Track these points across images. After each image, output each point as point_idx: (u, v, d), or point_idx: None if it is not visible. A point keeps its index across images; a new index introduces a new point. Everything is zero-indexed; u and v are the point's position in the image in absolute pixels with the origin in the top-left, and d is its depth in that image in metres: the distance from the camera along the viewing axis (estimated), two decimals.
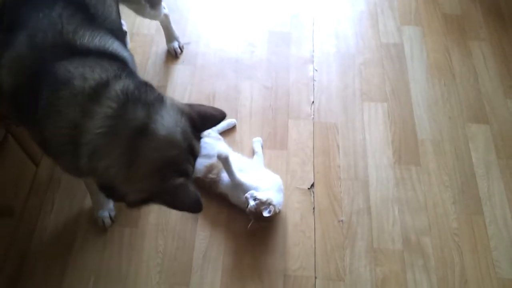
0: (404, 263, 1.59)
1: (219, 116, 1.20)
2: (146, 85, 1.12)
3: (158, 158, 1.04)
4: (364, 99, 1.97)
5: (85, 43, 1.14)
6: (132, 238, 1.59)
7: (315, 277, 1.56)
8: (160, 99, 1.10)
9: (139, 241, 1.58)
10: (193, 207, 1.09)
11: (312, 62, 2.08)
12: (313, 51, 2.12)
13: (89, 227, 1.61)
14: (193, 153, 1.12)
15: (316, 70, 2.06)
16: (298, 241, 1.62)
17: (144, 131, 1.04)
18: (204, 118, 1.16)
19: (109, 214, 1.61)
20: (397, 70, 2.06)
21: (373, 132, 1.88)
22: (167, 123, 1.07)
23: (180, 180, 1.05)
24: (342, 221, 1.67)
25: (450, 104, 1.96)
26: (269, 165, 1.78)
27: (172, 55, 2.04)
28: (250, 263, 1.57)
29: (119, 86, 1.07)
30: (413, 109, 1.94)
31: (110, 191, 1.11)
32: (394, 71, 2.06)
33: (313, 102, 1.96)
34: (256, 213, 1.51)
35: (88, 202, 1.65)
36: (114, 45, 1.20)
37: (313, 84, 2.01)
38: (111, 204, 1.61)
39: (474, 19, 2.25)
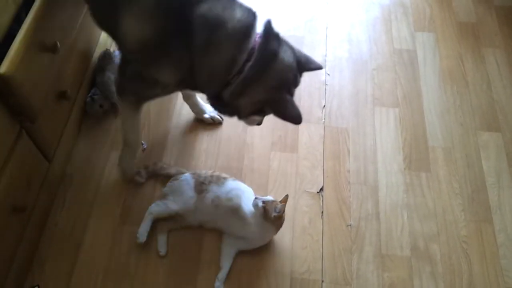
0: (411, 270, 1.58)
1: (316, 65, 1.48)
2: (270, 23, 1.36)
3: (280, 77, 1.34)
4: (375, 104, 1.97)
5: None
6: None
7: (322, 281, 1.56)
8: (280, 38, 1.38)
9: (148, 240, 1.59)
10: (296, 118, 1.37)
11: (325, 66, 2.09)
12: (326, 55, 2.13)
13: (99, 225, 1.63)
14: (296, 81, 1.43)
15: (329, 74, 2.06)
16: (306, 245, 1.62)
17: (275, 56, 1.32)
18: (306, 61, 1.44)
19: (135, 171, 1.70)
20: (409, 76, 2.06)
21: (384, 138, 1.88)
22: (288, 55, 1.36)
23: (289, 96, 1.38)
24: (350, 225, 1.67)
25: (462, 111, 1.95)
26: (278, 168, 1.78)
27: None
28: (257, 266, 1.57)
29: (259, 25, 1.35)
30: (424, 115, 1.93)
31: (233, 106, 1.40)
32: (407, 77, 2.05)
33: (324, 106, 1.96)
34: (267, 216, 1.51)
35: (98, 200, 1.67)
36: None
37: (325, 88, 2.02)
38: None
39: (489, 27, 2.24)
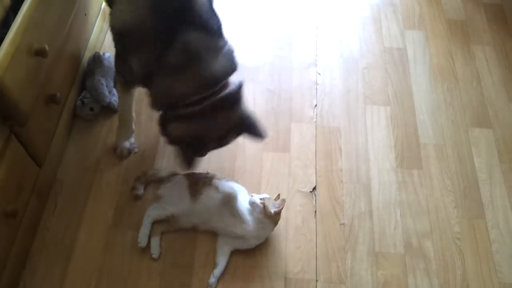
0: (405, 267, 1.58)
1: (259, 136, 1.48)
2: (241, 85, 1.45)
3: (218, 128, 1.44)
4: (367, 103, 1.97)
5: None
6: (134, 240, 1.59)
7: (316, 280, 1.55)
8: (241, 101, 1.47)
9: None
10: (186, 164, 1.44)
11: (315, 66, 2.09)
12: (317, 55, 2.13)
13: (91, 228, 1.62)
14: (227, 139, 1.49)
15: (319, 74, 2.06)
16: (300, 244, 1.62)
17: (227, 111, 1.42)
18: (251, 128, 1.46)
19: (129, 147, 1.77)
20: (400, 74, 2.07)
21: (375, 136, 1.88)
22: (238, 115, 1.45)
23: (207, 145, 1.48)
24: (343, 224, 1.67)
25: (453, 108, 1.96)
26: (271, 168, 1.78)
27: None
28: (251, 266, 1.57)
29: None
30: (415, 113, 1.94)
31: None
32: (397, 75, 2.06)
33: (316, 105, 1.96)
34: (266, 212, 1.51)
35: (90, 203, 1.66)
36: None
37: (316, 88, 2.02)
38: (132, 139, 1.78)
39: (478, 24, 2.26)
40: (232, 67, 1.42)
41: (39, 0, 1.42)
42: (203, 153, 1.51)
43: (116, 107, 1.85)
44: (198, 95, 1.35)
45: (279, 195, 1.58)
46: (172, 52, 1.31)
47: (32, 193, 1.55)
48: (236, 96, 1.41)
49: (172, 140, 1.47)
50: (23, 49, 1.33)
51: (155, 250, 1.57)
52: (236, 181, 1.69)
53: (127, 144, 1.77)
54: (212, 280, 1.52)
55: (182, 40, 1.31)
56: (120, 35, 1.42)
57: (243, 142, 1.82)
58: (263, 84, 2.01)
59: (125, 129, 1.76)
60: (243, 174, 1.75)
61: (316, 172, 1.78)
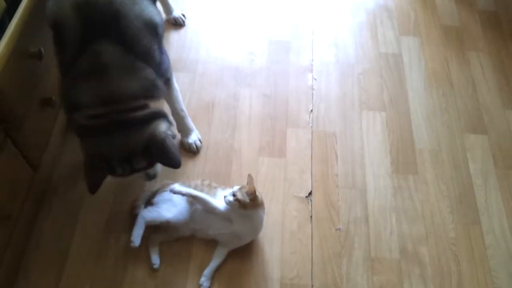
0: (401, 272, 1.58)
1: (171, 164, 1.43)
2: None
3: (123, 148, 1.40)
4: (362, 108, 1.98)
5: None
6: (128, 244, 1.58)
7: (312, 286, 1.55)
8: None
9: (134, 250, 1.58)
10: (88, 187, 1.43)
11: (311, 71, 2.10)
12: (313, 60, 2.14)
13: (86, 232, 1.61)
14: (131, 164, 1.43)
15: (315, 79, 2.07)
16: (295, 249, 1.62)
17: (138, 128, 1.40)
18: (160, 156, 1.42)
19: None
20: (395, 79, 2.08)
21: (371, 141, 1.88)
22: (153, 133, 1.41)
23: (103, 165, 1.42)
24: (339, 229, 1.67)
25: (448, 114, 1.97)
26: (267, 173, 1.78)
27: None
28: (247, 271, 1.56)
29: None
30: (411, 118, 1.95)
31: None
32: (393, 81, 2.07)
33: (311, 110, 1.96)
34: (244, 205, 1.48)
35: (85, 207, 1.66)
36: None
37: (312, 93, 2.02)
38: None
39: (473, 31, 2.27)
40: (149, 93, 1.39)
41: (35, 3, 1.42)
42: (112, 175, 1.44)
43: None
44: (102, 108, 1.34)
45: (250, 176, 1.51)
46: (83, 57, 1.32)
47: (27, 197, 1.54)
48: (146, 120, 1.38)
49: (84, 155, 1.42)
50: (19, 52, 1.33)
51: (155, 260, 1.55)
52: (232, 187, 1.69)
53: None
54: (202, 279, 1.51)
55: (95, 49, 1.31)
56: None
57: (239, 147, 1.83)
58: (259, 89, 2.01)
59: None
60: (239, 179, 1.75)
61: (312, 177, 1.78)
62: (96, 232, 1.61)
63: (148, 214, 1.57)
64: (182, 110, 1.76)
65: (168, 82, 1.60)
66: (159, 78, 1.43)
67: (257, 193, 1.49)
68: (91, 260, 1.56)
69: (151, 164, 1.46)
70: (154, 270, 1.55)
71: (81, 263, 1.55)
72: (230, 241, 1.56)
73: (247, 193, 1.48)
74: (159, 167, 1.57)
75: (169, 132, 1.44)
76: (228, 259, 1.57)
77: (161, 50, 1.48)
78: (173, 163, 1.43)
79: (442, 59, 2.15)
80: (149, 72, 1.39)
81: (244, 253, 1.59)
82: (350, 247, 1.63)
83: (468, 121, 1.96)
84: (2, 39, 1.28)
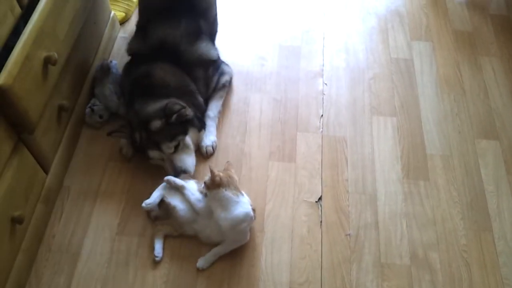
0: (411, 279, 1.57)
1: None
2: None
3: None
4: (373, 113, 1.97)
5: None
6: (140, 247, 1.60)
7: None
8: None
9: (146, 250, 1.59)
10: None
11: (322, 76, 2.10)
12: (323, 65, 2.14)
13: (97, 235, 1.62)
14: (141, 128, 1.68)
15: (326, 84, 2.07)
16: (305, 255, 1.62)
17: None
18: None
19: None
20: (406, 84, 2.07)
21: (382, 146, 1.88)
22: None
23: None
24: (349, 235, 1.66)
25: (460, 119, 1.96)
26: (277, 177, 1.78)
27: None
28: (257, 276, 1.56)
29: None
30: (422, 123, 1.94)
31: None
32: (404, 86, 2.06)
33: (322, 115, 1.96)
34: (213, 183, 1.51)
35: (96, 211, 1.67)
36: None
37: (323, 98, 2.02)
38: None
39: (485, 36, 2.26)
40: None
41: (50, 10, 1.44)
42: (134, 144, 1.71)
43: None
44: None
45: (227, 162, 1.63)
46: None
47: (38, 199, 1.56)
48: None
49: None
50: (32, 57, 1.35)
51: (158, 252, 1.57)
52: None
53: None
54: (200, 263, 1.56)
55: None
56: None
57: (249, 151, 1.84)
58: (269, 93, 2.02)
59: None
60: (248, 183, 1.76)
61: (322, 182, 1.78)
62: (107, 235, 1.63)
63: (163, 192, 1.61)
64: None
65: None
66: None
67: (219, 175, 1.51)
68: (102, 263, 1.57)
69: (169, 132, 1.64)
70: (156, 262, 1.56)
71: (92, 265, 1.57)
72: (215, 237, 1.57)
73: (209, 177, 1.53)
74: (190, 161, 1.70)
75: (188, 112, 1.69)
76: (237, 262, 1.57)
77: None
78: (192, 125, 1.72)
79: (453, 64, 2.14)
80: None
81: (253, 257, 1.59)
82: (360, 252, 1.62)
83: (480, 127, 1.94)
84: (17, 44, 1.30)
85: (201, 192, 1.58)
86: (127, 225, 1.64)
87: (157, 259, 1.56)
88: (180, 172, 1.66)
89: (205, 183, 1.53)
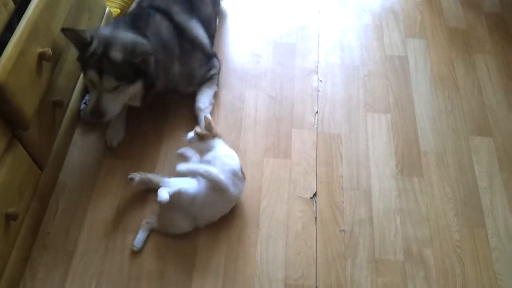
0: (405, 274, 1.58)
1: None
2: None
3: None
4: (368, 110, 1.98)
5: None
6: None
7: (316, 287, 1.55)
8: None
9: (142, 248, 1.59)
10: None
11: (317, 73, 2.10)
12: (318, 62, 2.14)
13: (92, 232, 1.62)
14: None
15: (321, 81, 2.07)
16: (300, 250, 1.62)
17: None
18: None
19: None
20: (401, 82, 2.08)
21: (376, 143, 1.89)
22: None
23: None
24: (344, 231, 1.67)
25: (454, 117, 1.97)
26: (272, 174, 1.79)
27: None
28: (251, 272, 1.57)
29: None
30: (416, 120, 1.95)
31: None
32: (398, 83, 2.07)
33: (317, 112, 1.97)
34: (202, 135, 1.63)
35: (91, 207, 1.67)
36: None
37: (318, 95, 2.03)
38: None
39: (479, 33, 2.27)
40: None
41: (44, 5, 1.43)
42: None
43: None
44: None
45: (205, 117, 1.68)
46: None
47: (33, 196, 1.56)
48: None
49: None
50: (26, 53, 1.35)
51: (138, 243, 1.58)
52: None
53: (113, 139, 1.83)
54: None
55: None
56: None
57: (244, 148, 1.84)
58: (265, 90, 2.02)
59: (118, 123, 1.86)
60: None
61: (316, 178, 1.79)
62: (102, 231, 1.62)
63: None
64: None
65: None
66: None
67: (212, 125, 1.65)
68: (97, 260, 1.57)
69: (121, 69, 1.58)
70: (134, 252, 1.57)
71: (87, 262, 1.56)
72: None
73: (205, 127, 1.64)
74: (112, 109, 1.64)
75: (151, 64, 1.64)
76: (232, 258, 1.58)
77: None
78: (143, 79, 1.65)
79: (448, 62, 2.15)
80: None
81: (248, 253, 1.60)
82: (354, 248, 1.63)
83: (473, 124, 1.95)
84: (11, 40, 1.30)
85: (190, 138, 1.64)
86: (122, 222, 1.64)
87: (134, 249, 1.57)
88: (93, 112, 1.61)
89: (198, 133, 1.62)
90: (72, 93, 1.80)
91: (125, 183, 1.72)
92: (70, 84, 1.78)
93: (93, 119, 1.65)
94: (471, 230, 1.68)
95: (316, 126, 1.93)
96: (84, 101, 1.85)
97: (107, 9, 2.07)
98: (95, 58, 1.57)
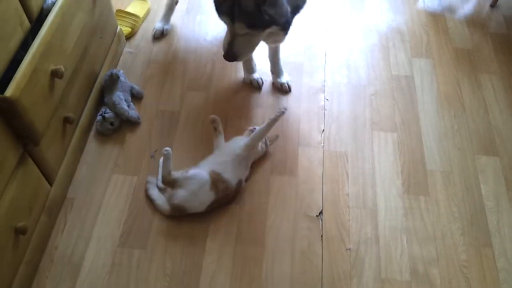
0: None
1: None
2: None
3: None
4: (374, 129, 1.99)
5: None
6: (141, 260, 1.61)
7: None
8: None
9: (147, 263, 1.60)
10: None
11: (324, 91, 2.12)
12: (325, 81, 2.16)
13: (99, 247, 1.63)
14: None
15: (327, 99, 2.09)
16: (305, 269, 1.62)
17: None
18: None
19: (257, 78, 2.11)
20: (407, 101, 2.09)
21: (382, 162, 1.89)
22: None
23: None
24: (350, 249, 1.67)
25: (460, 136, 1.98)
26: (278, 191, 1.80)
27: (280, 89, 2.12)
28: None
29: None
30: (422, 139, 1.95)
31: None
32: (405, 102, 2.09)
33: (323, 130, 1.98)
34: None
35: (99, 223, 1.69)
36: None
37: (324, 113, 2.05)
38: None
39: (485, 53, 2.29)
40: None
41: (58, 24, 1.47)
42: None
43: (136, 119, 1.93)
44: None
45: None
46: None
47: (42, 211, 1.58)
48: None
49: None
50: (40, 71, 1.38)
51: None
52: (243, 204, 1.72)
53: (255, 76, 2.09)
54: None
55: None
56: None
57: (251, 165, 1.85)
58: (272, 108, 2.04)
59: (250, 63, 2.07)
60: (250, 197, 1.77)
61: (322, 196, 1.79)
62: (109, 247, 1.64)
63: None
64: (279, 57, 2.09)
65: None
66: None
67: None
68: (104, 275, 1.58)
69: (252, 16, 1.57)
70: (161, 279, 1.57)
71: (94, 277, 1.57)
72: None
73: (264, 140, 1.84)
74: (247, 50, 1.75)
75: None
76: (238, 276, 1.58)
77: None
78: (275, 24, 1.62)
79: (454, 81, 2.17)
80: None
81: (254, 271, 1.60)
82: (360, 267, 1.63)
83: (479, 143, 1.96)
84: (25, 57, 1.33)
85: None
86: (128, 238, 1.66)
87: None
88: (227, 54, 1.70)
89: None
90: (83, 110, 1.84)
91: (132, 199, 1.74)
92: (81, 101, 1.82)
93: (227, 60, 1.72)
94: (478, 250, 1.68)
95: (322, 144, 1.94)
96: (100, 112, 1.88)
97: (118, 28, 2.12)
98: (227, 4, 1.60)
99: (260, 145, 1.83)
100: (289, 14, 1.68)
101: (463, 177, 1.86)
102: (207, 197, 1.65)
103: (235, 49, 1.69)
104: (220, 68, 2.18)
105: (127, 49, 2.21)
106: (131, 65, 2.16)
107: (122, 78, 1.95)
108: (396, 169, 1.87)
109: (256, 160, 1.84)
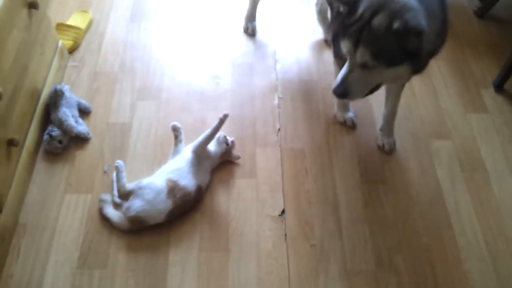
0: (378, 283, 1.58)
1: None
2: None
3: None
4: (329, 123, 2.00)
5: None
6: (102, 281, 1.55)
7: None
8: None
9: (109, 283, 1.55)
10: None
11: (277, 90, 2.12)
12: (277, 79, 2.16)
13: (57, 271, 1.57)
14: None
15: (281, 97, 2.09)
16: (272, 270, 1.61)
17: None
18: None
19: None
20: None
21: (340, 154, 1.90)
22: None
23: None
24: (314, 245, 1.67)
25: (413, 122, 2.01)
26: (238, 194, 1.78)
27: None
28: None
29: None
30: (376, 128, 1.97)
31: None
32: None
33: (279, 129, 1.98)
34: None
35: (55, 246, 1.62)
36: None
37: (279, 112, 2.04)
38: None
39: None
40: None
41: None
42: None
43: (85, 135, 1.86)
44: None
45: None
46: None
47: None
48: None
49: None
50: None
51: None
52: (203, 211, 1.69)
53: (350, 114, 1.97)
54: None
55: None
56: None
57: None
58: (226, 111, 2.01)
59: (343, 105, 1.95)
60: (210, 202, 1.74)
61: (283, 195, 1.78)
62: (68, 271, 1.57)
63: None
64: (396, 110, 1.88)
65: None
66: None
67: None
68: None
69: (382, 43, 1.32)
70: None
71: None
72: None
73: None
74: (359, 90, 1.50)
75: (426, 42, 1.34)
76: (204, 285, 1.55)
77: None
78: (411, 61, 1.35)
79: None
80: None
81: (221, 277, 1.57)
82: (326, 262, 1.63)
83: (432, 128, 2.00)
84: None
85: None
86: (87, 258, 1.60)
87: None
88: (336, 89, 1.47)
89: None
90: (28, 130, 1.76)
91: (88, 218, 1.68)
92: (25, 121, 1.74)
93: (336, 96, 1.50)
94: (438, 232, 1.70)
95: (279, 143, 1.94)
96: (47, 131, 1.81)
97: (60, 42, 2.05)
98: (356, 26, 1.34)
99: (221, 148, 1.80)
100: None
101: (418, 162, 1.89)
102: (165, 205, 1.61)
103: (348, 84, 1.44)
104: (170, 75, 2.14)
105: (71, 63, 2.15)
106: (76, 79, 2.09)
107: (67, 94, 1.88)
108: (353, 159, 1.88)
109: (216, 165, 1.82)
